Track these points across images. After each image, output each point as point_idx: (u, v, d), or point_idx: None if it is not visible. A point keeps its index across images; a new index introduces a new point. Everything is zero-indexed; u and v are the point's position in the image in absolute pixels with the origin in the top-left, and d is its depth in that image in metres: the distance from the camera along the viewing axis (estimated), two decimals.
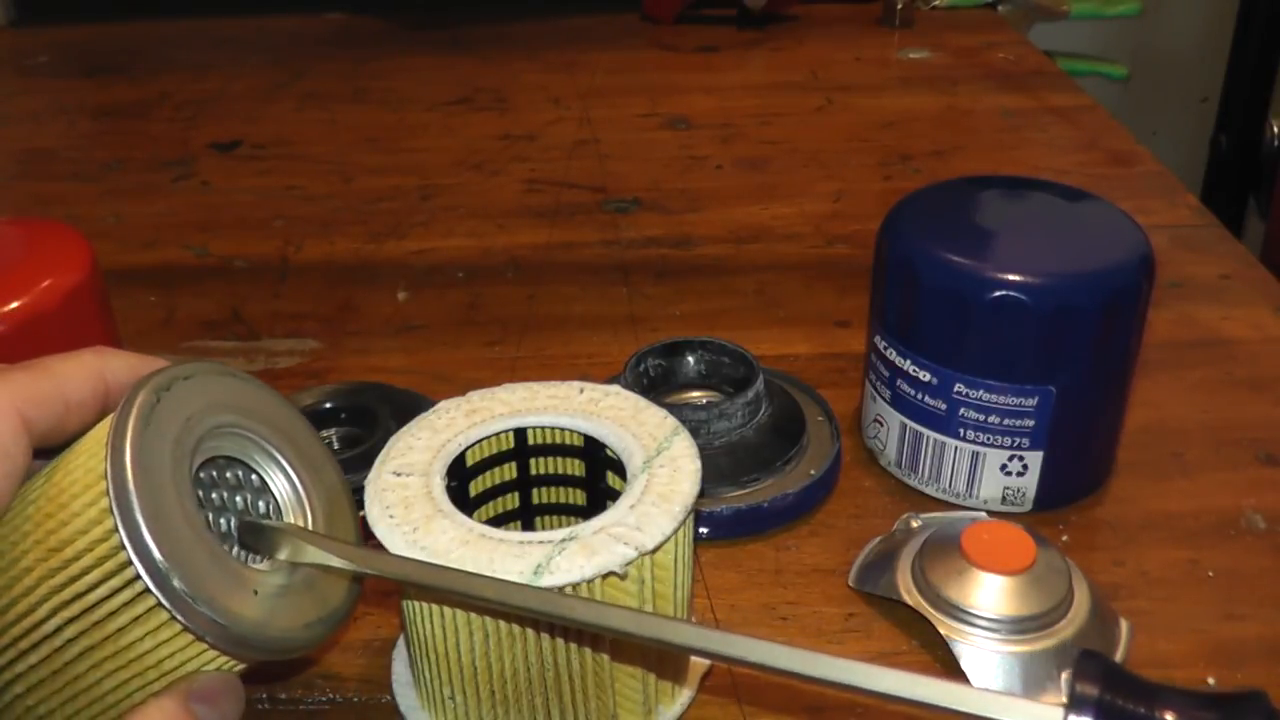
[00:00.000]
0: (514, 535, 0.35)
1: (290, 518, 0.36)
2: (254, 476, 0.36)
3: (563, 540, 0.34)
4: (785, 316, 0.64)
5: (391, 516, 0.36)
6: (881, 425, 0.50)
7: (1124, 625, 0.42)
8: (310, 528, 0.35)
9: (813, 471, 0.49)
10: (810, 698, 0.40)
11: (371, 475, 0.38)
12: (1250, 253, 0.69)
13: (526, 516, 0.43)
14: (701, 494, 0.47)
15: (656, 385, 0.52)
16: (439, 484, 0.37)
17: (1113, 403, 0.48)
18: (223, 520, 0.36)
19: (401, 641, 0.42)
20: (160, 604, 0.30)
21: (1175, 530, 0.47)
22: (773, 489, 0.48)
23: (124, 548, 0.29)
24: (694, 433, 0.48)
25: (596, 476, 0.41)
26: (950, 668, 0.41)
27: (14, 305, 0.44)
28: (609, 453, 0.40)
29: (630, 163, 0.82)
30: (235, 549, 0.36)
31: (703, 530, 0.47)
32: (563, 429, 0.41)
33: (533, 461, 0.42)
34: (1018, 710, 0.27)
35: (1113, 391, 0.47)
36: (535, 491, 0.43)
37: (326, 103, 0.95)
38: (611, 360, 0.59)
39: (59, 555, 0.31)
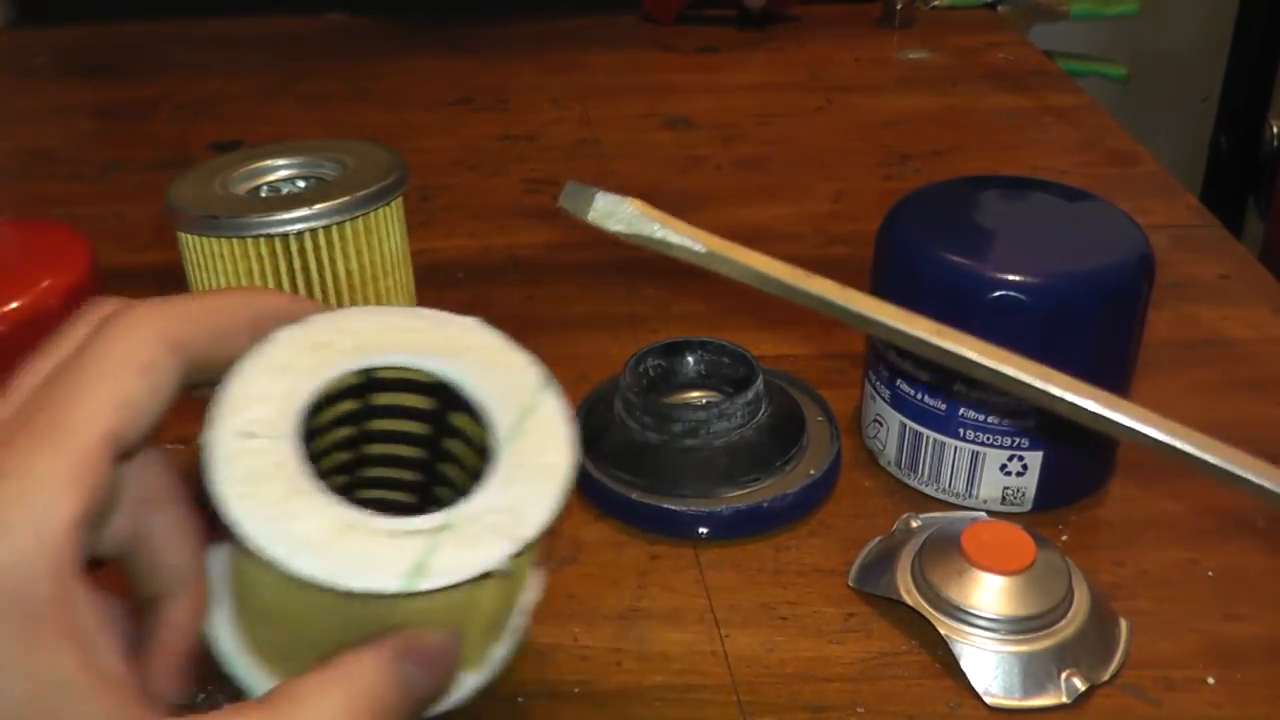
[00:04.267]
0: (382, 523, 0.31)
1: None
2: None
3: (437, 529, 0.31)
4: (785, 316, 0.64)
5: (244, 496, 0.30)
6: (881, 425, 0.50)
7: (1124, 625, 0.42)
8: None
9: (813, 471, 0.49)
10: (810, 697, 0.40)
11: (210, 435, 0.31)
12: (1250, 253, 0.69)
13: (355, 465, 0.38)
14: (702, 494, 0.48)
15: (656, 385, 0.52)
16: (293, 450, 0.31)
17: None
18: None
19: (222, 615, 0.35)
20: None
21: (1175, 530, 0.47)
22: (773, 489, 0.48)
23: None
24: (694, 433, 0.48)
25: (443, 412, 0.37)
26: (950, 668, 0.41)
27: (14, 305, 0.44)
28: (463, 395, 0.35)
29: (630, 163, 0.82)
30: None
31: (702, 530, 0.47)
32: (416, 369, 0.35)
33: (375, 398, 0.37)
34: None
35: (1113, 391, 0.47)
36: (371, 429, 0.38)
37: (326, 103, 0.95)
38: (611, 360, 0.58)
39: None
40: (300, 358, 0.33)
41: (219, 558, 0.35)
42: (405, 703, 0.30)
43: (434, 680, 0.31)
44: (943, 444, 0.47)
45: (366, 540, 0.30)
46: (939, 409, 0.47)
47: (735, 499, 0.47)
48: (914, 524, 0.46)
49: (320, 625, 0.31)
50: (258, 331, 0.32)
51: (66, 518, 0.27)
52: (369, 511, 0.31)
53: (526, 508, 0.32)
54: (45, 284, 0.46)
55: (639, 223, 0.35)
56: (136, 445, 0.29)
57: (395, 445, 0.38)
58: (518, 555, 0.31)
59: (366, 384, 0.35)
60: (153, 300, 0.30)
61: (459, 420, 0.36)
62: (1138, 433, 0.30)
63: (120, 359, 0.28)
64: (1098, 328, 0.44)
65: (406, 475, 0.39)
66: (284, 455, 0.31)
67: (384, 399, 0.36)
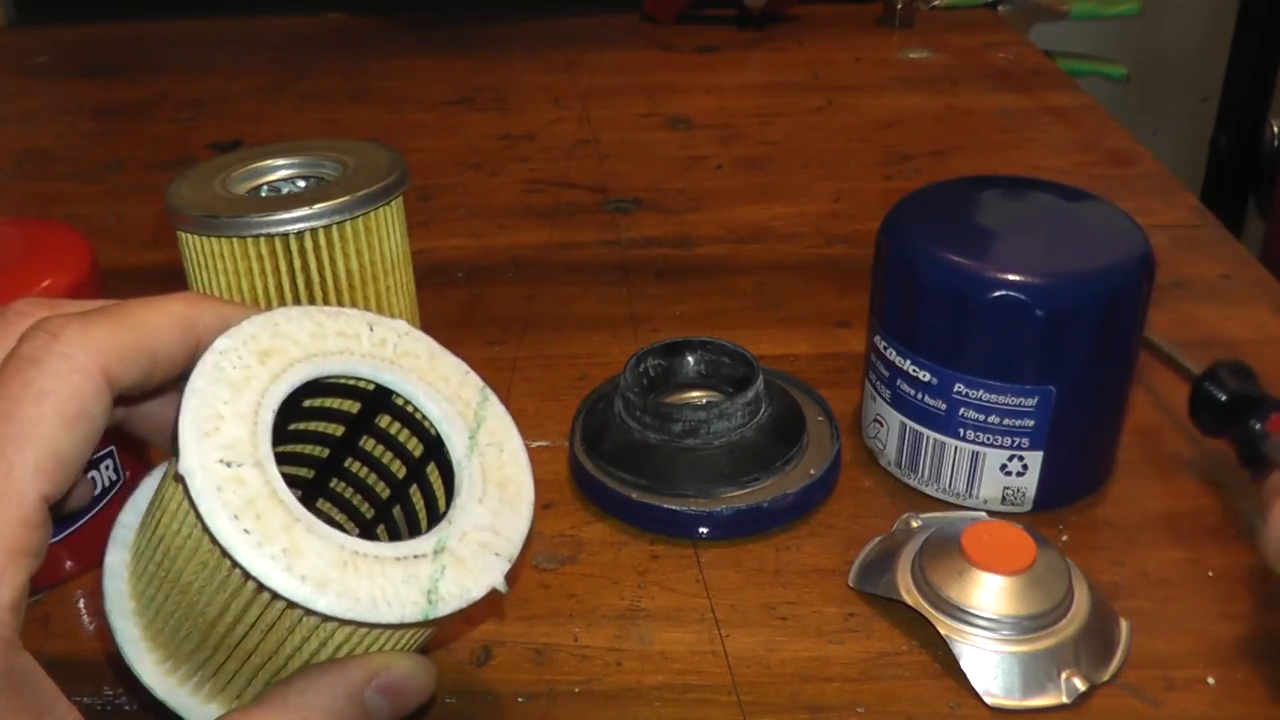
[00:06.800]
0: (382, 549, 0.30)
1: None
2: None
3: (435, 552, 0.31)
4: (785, 316, 0.64)
5: (247, 531, 0.28)
6: (881, 425, 0.50)
7: (1124, 625, 0.42)
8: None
9: (813, 471, 0.49)
10: (810, 697, 0.40)
11: (189, 463, 0.28)
12: (1250, 253, 0.69)
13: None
14: (702, 494, 0.48)
15: (656, 385, 0.52)
16: (277, 475, 0.30)
17: (1113, 403, 0.48)
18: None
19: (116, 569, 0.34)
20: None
21: (1175, 530, 0.47)
22: (773, 489, 0.48)
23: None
24: (694, 433, 0.48)
25: (367, 415, 0.37)
26: (950, 668, 0.41)
27: None
28: (410, 409, 0.35)
29: (630, 163, 0.82)
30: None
31: (702, 530, 0.47)
32: (359, 377, 0.34)
33: (305, 400, 0.36)
34: None
35: (1113, 391, 0.47)
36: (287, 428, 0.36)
37: (326, 103, 0.95)
38: (611, 360, 0.59)
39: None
40: (254, 369, 0.31)
41: (118, 555, 0.34)
42: None
43: (398, 708, 0.32)
44: (943, 444, 0.47)
45: (374, 569, 0.30)
46: (939, 409, 0.47)
47: (735, 499, 0.47)
48: (914, 524, 0.46)
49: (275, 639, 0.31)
50: (192, 340, 0.31)
51: (10, 599, 0.26)
52: (359, 536, 0.31)
53: (504, 524, 0.32)
54: (45, 284, 0.46)
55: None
56: (69, 488, 0.29)
57: (303, 444, 0.37)
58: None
59: (306, 388, 0.33)
60: (83, 323, 0.29)
61: (383, 422, 0.36)
62: None
63: (52, 413, 0.27)
64: (1098, 328, 0.44)
65: (301, 471, 0.38)
66: (269, 481, 0.29)
67: (312, 401, 0.36)
